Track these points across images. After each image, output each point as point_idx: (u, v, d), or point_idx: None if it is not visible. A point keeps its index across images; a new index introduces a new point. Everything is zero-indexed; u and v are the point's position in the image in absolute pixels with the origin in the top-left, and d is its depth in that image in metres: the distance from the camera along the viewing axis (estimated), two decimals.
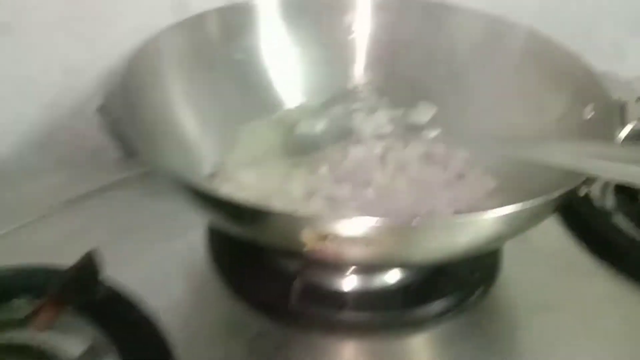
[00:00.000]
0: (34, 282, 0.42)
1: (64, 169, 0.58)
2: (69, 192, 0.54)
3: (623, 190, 0.55)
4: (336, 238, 0.31)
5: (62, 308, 0.39)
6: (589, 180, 0.36)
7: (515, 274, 0.47)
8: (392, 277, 0.45)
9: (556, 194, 0.33)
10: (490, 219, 0.32)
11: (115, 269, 0.43)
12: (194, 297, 0.45)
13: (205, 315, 0.44)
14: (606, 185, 0.56)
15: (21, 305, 0.40)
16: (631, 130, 0.39)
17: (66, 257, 0.41)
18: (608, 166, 0.34)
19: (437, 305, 0.43)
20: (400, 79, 0.57)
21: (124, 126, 0.39)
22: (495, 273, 0.47)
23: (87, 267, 0.41)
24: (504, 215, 0.32)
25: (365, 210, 0.45)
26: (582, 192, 0.37)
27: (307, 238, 0.31)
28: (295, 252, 0.37)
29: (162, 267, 0.47)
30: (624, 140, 0.39)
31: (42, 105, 0.56)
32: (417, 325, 0.43)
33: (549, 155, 0.37)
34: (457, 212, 0.45)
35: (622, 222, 0.51)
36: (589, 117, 0.44)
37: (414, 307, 0.43)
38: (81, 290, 0.41)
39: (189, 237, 0.49)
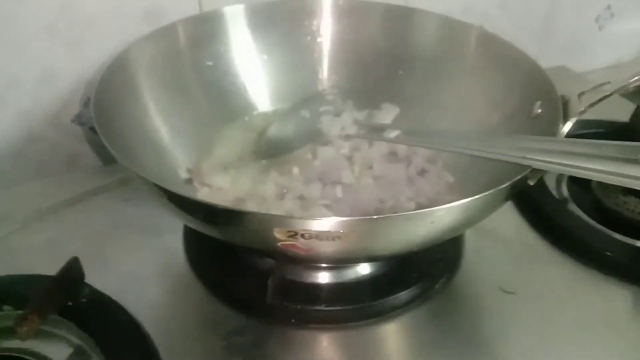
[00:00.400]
0: (18, 291, 0.43)
1: (40, 177, 0.59)
2: (46, 200, 0.55)
3: (577, 181, 0.59)
4: (304, 234, 0.33)
5: (46, 315, 0.40)
6: (536, 172, 0.39)
7: (476, 262, 0.50)
8: (362, 270, 0.47)
9: (504, 185, 0.36)
10: (446, 211, 0.35)
11: (96, 274, 0.44)
12: (173, 298, 0.47)
13: (184, 315, 0.45)
14: (561, 176, 0.60)
15: (6, 315, 0.41)
16: (574, 124, 0.42)
17: (47, 265, 0.42)
18: (549, 160, 0.37)
19: (404, 295, 0.46)
20: (365, 81, 0.60)
21: (100, 134, 0.41)
22: (458, 262, 0.50)
23: (71, 274, 0.43)
24: (459, 207, 0.35)
25: (334, 207, 0.47)
26: (532, 181, 0.40)
27: (278, 236, 0.33)
28: (268, 250, 0.39)
29: (141, 271, 0.48)
30: (566, 134, 0.42)
31: (19, 113, 0.57)
32: (386, 314, 0.45)
33: (497, 151, 0.40)
34: (419, 205, 0.48)
35: (575, 211, 0.55)
36: (538, 112, 0.47)
37: (383, 297, 0.45)
38: (65, 297, 0.42)
39: (166, 240, 0.51)
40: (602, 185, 0.56)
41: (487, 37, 0.55)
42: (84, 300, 0.43)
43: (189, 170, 0.52)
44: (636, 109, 0.64)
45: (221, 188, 0.50)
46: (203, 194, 0.50)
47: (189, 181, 0.51)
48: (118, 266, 0.49)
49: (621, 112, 0.65)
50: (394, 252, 0.40)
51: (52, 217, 0.53)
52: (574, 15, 0.82)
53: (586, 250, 0.50)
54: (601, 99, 0.41)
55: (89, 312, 0.42)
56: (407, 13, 0.58)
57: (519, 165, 0.39)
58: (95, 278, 0.44)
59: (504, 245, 0.53)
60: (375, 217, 0.33)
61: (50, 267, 0.42)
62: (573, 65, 0.84)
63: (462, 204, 0.34)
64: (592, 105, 0.41)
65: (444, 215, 0.34)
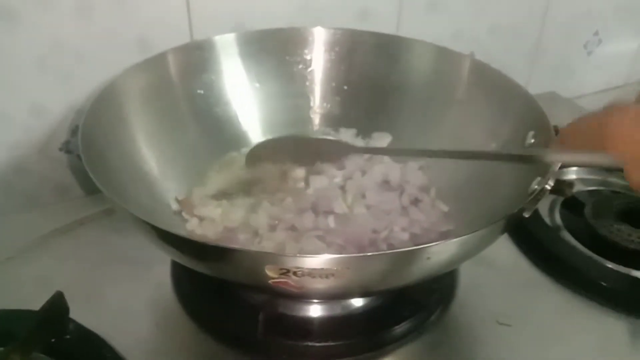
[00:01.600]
0: (2, 328, 0.41)
1: (28, 208, 0.58)
2: (33, 232, 0.53)
3: (570, 208, 0.59)
4: (297, 272, 0.32)
5: (28, 354, 0.38)
6: (532, 203, 0.39)
7: (471, 292, 0.49)
8: (356, 303, 0.46)
9: (500, 220, 0.35)
10: (442, 246, 0.34)
11: (82, 308, 0.43)
12: (161, 333, 0.46)
13: (173, 351, 0.44)
14: (554, 203, 0.59)
15: None
16: None
17: (33, 299, 0.41)
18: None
19: (399, 329, 0.45)
20: (357, 110, 0.60)
21: (85, 165, 0.40)
22: (453, 293, 0.49)
23: (55, 309, 0.41)
24: (456, 243, 0.34)
25: (327, 238, 0.47)
26: (528, 213, 0.40)
27: (269, 273, 0.33)
28: (259, 287, 0.38)
29: (128, 304, 0.47)
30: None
31: (7, 146, 0.56)
32: (381, 349, 0.44)
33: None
34: (413, 235, 0.47)
35: (568, 238, 0.54)
36: (531, 142, 0.47)
37: (377, 331, 0.45)
38: (49, 333, 0.41)
39: (155, 272, 0.50)
40: (595, 212, 0.56)
41: (479, 66, 0.55)
42: (69, 336, 0.41)
43: (178, 201, 0.51)
44: None
45: (212, 219, 0.49)
46: (193, 225, 0.49)
47: (179, 212, 0.50)
48: (105, 300, 0.47)
49: None
50: (389, 287, 0.40)
51: (38, 249, 0.52)
52: (563, 41, 0.83)
53: (581, 280, 0.50)
54: None
55: (73, 349, 0.41)
56: (398, 42, 0.59)
57: (515, 195, 0.38)
58: (81, 313, 0.43)
59: (499, 274, 0.52)
60: (369, 254, 0.32)
61: (36, 301, 0.41)
62: (562, 91, 0.85)
63: (458, 240, 0.33)
64: None
65: (440, 251, 0.34)
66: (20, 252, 0.52)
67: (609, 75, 0.90)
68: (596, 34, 0.85)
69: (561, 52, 0.84)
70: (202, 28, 0.57)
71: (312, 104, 0.60)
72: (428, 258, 0.34)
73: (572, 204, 0.59)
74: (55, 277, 0.49)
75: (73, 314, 0.42)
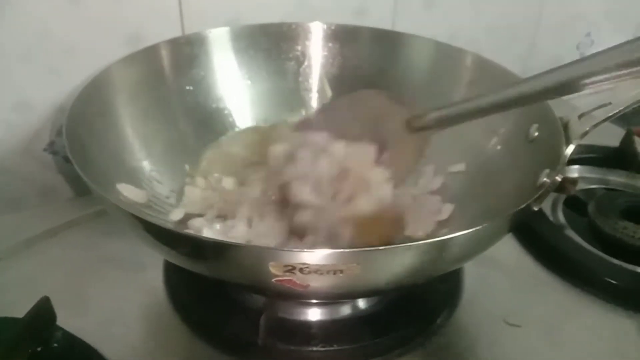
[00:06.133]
0: None
1: (12, 211, 0.55)
2: (18, 235, 0.51)
3: (572, 206, 0.57)
4: (303, 269, 0.30)
5: None
6: (543, 196, 0.37)
7: (477, 294, 0.48)
8: (360, 306, 0.44)
9: (511, 214, 0.33)
10: (450, 242, 0.32)
11: (70, 315, 0.40)
12: (154, 341, 0.43)
13: (166, 359, 0.41)
14: (556, 201, 0.58)
15: None
16: (576, 146, 0.41)
17: (18, 306, 0.38)
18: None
19: (405, 332, 0.43)
20: None
21: (73, 161, 0.38)
22: (459, 294, 0.47)
23: (42, 316, 0.39)
24: (471, 234, 0.33)
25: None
26: (537, 207, 0.38)
27: (273, 271, 0.31)
28: (260, 287, 0.36)
29: (119, 310, 0.45)
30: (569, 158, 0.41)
31: None
32: (387, 354, 0.42)
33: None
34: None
35: (573, 237, 0.53)
36: (535, 135, 0.45)
37: (383, 335, 0.43)
38: (34, 342, 0.38)
39: (147, 276, 0.47)
40: (599, 210, 0.55)
41: (477, 60, 0.54)
42: (56, 344, 0.39)
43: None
44: (626, 133, 0.63)
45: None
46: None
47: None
48: (94, 306, 0.45)
49: (608, 137, 0.64)
50: (397, 285, 0.37)
51: (23, 253, 0.50)
52: (556, 43, 0.83)
53: (589, 278, 0.49)
54: (605, 120, 0.40)
55: (61, 358, 0.39)
56: (396, 38, 0.57)
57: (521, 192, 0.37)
58: (69, 320, 0.40)
59: (504, 274, 0.50)
60: (381, 247, 0.30)
61: (21, 307, 0.38)
62: None
63: (474, 231, 0.32)
64: (596, 126, 0.40)
65: (456, 244, 0.32)
66: (4, 256, 0.49)
67: None
68: (588, 35, 0.86)
69: (554, 53, 0.84)
70: (194, 22, 0.56)
71: (306, 100, 0.59)
72: (443, 251, 0.32)
73: (574, 203, 0.58)
74: (41, 282, 0.46)
75: (60, 321, 0.40)
